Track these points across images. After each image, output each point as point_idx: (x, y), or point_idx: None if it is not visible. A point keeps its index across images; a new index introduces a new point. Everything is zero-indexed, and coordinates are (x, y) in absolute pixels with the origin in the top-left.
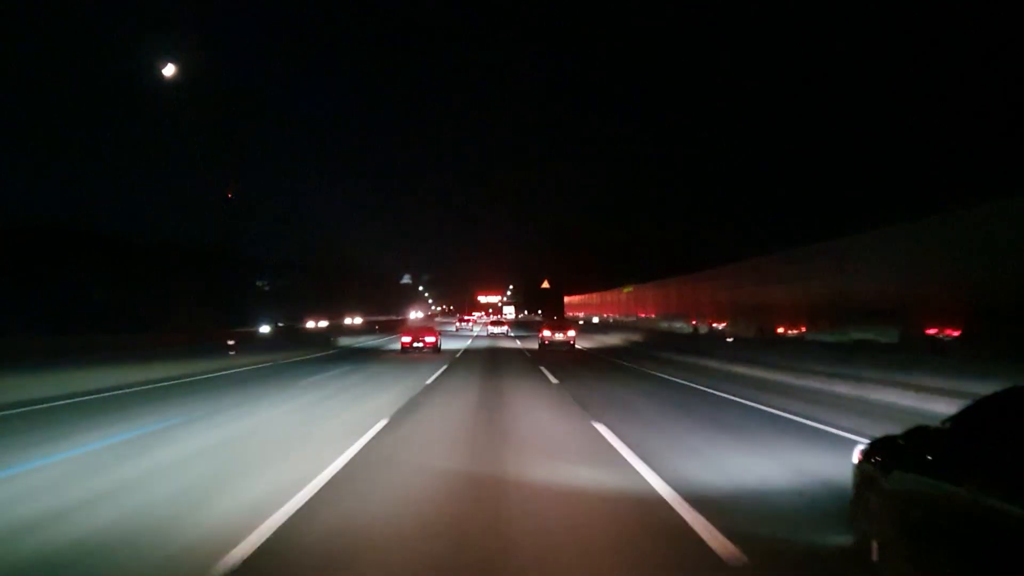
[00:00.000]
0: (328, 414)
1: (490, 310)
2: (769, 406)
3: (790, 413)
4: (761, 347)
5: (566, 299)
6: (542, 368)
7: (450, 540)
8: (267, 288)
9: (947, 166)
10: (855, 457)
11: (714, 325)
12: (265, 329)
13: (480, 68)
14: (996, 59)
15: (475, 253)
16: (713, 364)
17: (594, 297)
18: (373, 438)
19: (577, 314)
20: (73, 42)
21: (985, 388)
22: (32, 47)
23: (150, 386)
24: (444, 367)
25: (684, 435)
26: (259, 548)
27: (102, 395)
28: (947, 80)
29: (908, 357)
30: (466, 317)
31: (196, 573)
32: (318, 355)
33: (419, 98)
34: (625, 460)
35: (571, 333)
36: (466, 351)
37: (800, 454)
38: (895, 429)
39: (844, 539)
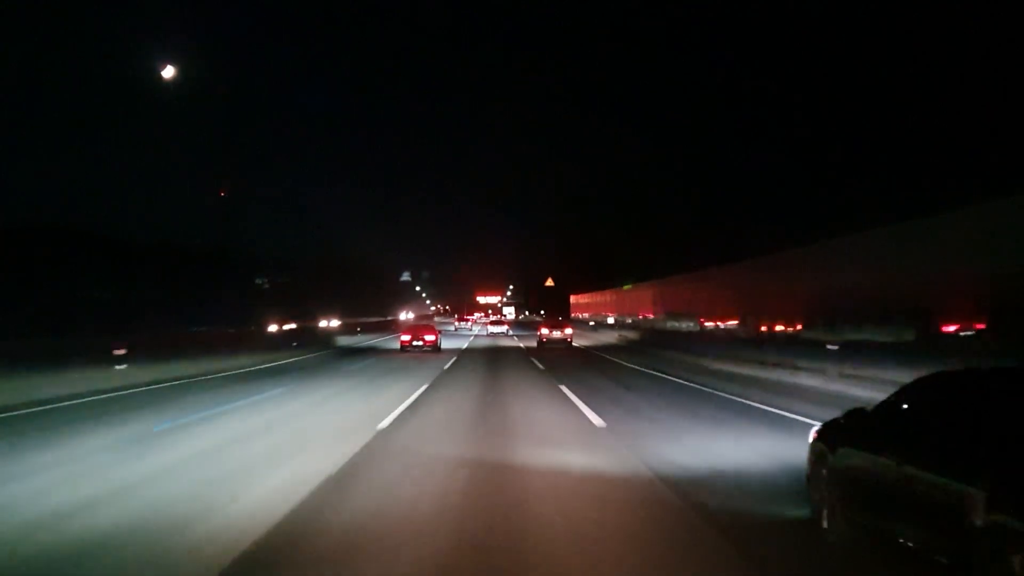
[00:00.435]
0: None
1: (489, 311)
2: (724, 392)
3: (743, 398)
4: (751, 345)
5: (572, 299)
6: (534, 360)
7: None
8: (266, 286)
9: (956, 161)
10: (810, 437)
11: (719, 324)
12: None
13: (480, 67)
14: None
15: (474, 253)
16: (690, 359)
17: (606, 296)
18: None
19: (583, 315)
20: (72, 41)
21: None
22: (31, 47)
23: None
24: (453, 359)
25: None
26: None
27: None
28: (965, 69)
29: (877, 354)
30: (466, 317)
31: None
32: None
33: (419, 97)
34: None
35: (568, 331)
36: (468, 349)
37: (748, 428)
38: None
39: (803, 511)
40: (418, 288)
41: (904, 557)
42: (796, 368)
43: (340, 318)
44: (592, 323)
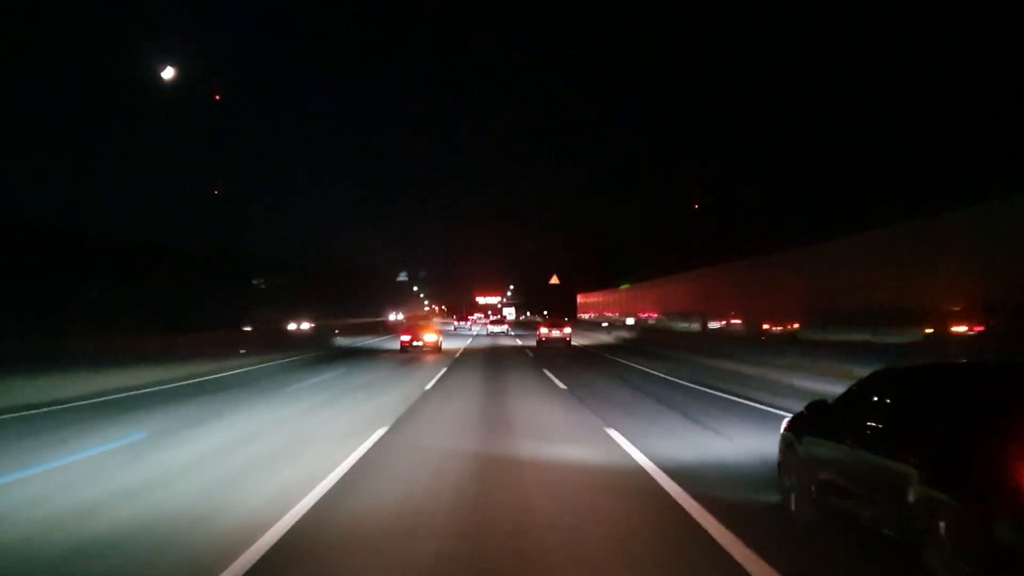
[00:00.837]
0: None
1: (489, 312)
2: (705, 385)
3: (726, 393)
4: (742, 344)
5: (580, 299)
6: (527, 353)
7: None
8: (263, 287)
9: (959, 162)
10: (782, 428)
11: (724, 323)
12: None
13: (479, 66)
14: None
15: (474, 254)
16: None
17: (620, 295)
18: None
19: (591, 315)
20: (72, 41)
21: None
22: (30, 46)
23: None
24: (442, 370)
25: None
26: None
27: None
28: (971, 67)
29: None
30: (468, 317)
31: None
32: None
33: (417, 96)
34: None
35: (567, 331)
36: (468, 349)
37: (719, 415)
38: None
39: (776, 497)
40: (415, 288)
41: (859, 533)
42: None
43: (320, 319)
44: (605, 324)
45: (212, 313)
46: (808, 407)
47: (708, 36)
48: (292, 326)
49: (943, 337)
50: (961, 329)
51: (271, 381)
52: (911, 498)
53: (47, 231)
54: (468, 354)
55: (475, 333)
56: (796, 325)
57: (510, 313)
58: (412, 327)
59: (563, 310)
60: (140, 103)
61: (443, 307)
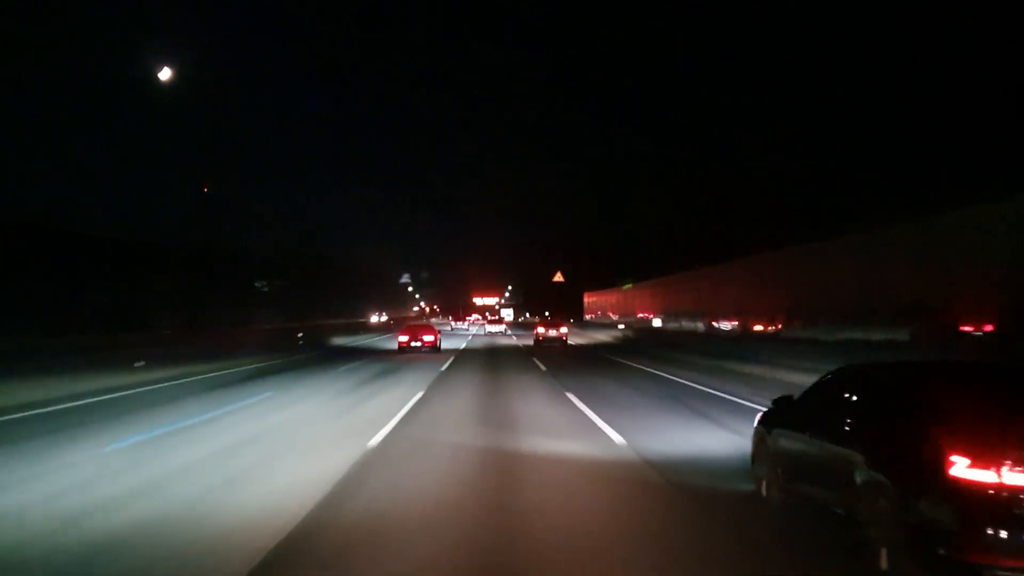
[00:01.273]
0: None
1: (487, 313)
2: (686, 379)
3: (699, 384)
4: (732, 343)
5: (587, 299)
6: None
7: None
8: (265, 289)
9: (962, 160)
10: (755, 421)
11: (718, 323)
12: None
13: (480, 67)
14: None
15: (471, 254)
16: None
17: (635, 292)
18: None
19: (595, 315)
20: (71, 42)
21: None
22: (29, 45)
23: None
24: (420, 392)
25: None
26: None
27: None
28: (976, 65)
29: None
30: (465, 318)
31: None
32: None
33: (418, 95)
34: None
35: (563, 330)
36: (466, 349)
37: (699, 404)
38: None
39: (749, 485)
40: (410, 288)
41: (818, 515)
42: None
43: (301, 319)
44: (622, 325)
45: (214, 314)
46: (774, 402)
47: (708, 36)
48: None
49: (947, 336)
50: (967, 328)
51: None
52: (858, 481)
53: (48, 230)
54: (471, 349)
55: (472, 333)
56: (779, 326)
57: (508, 314)
58: (411, 327)
59: (568, 310)
60: (140, 103)
61: (434, 307)
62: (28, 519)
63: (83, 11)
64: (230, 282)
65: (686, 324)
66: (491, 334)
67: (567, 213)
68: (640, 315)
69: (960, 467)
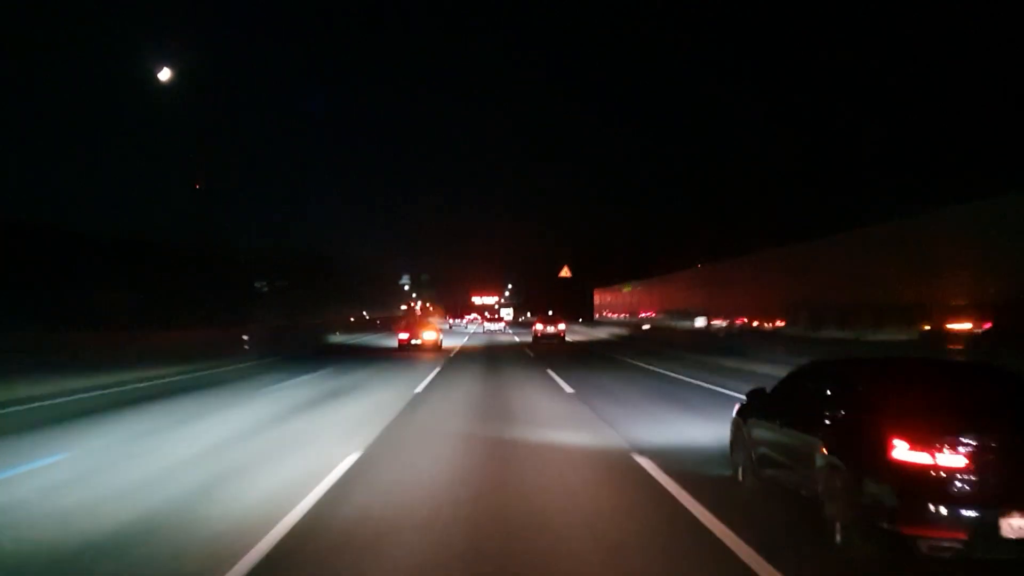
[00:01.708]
0: None
1: (486, 312)
2: (668, 370)
3: (675, 373)
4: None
5: (597, 298)
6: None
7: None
8: (265, 289)
9: (964, 158)
10: (733, 412)
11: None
12: None
13: (480, 65)
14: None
15: (471, 252)
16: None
17: (654, 291)
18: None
19: (609, 315)
20: (72, 44)
21: None
22: (30, 46)
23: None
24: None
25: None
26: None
27: None
28: (980, 64)
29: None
30: (464, 316)
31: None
32: None
33: (419, 95)
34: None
35: (561, 327)
36: (464, 347)
37: (670, 389)
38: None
39: (728, 471)
40: (407, 288)
41: (787, 497)
42: None
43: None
44: (646, 326)
45: (216, 313)
46: (748, 394)
47: (710, 36)
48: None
49: (940, 334)
50: (965, 327)
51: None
52: (818, 464)
53: (50, 230)
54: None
55: (472, 331)
56: (781, 323)
57: (508, 314)
58: (410, 324)
59: (577, 309)
60: (139, 102)
61: (428, 305)
62: None
63: (84, 12)
64: (225, 281)
65: (683, 323)
66: (490, 332)
67: (570, 212)
68: (643, 314)
69: (901, 450)
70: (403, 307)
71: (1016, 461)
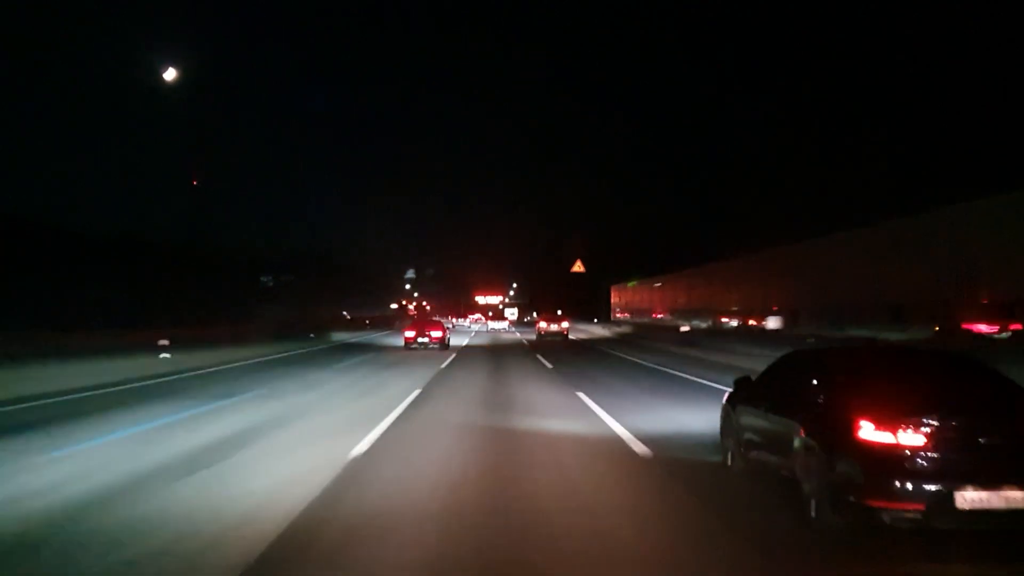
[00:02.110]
0: None
1: (490, 313)
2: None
3: (672, 368)
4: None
5: (615, 296)
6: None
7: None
8: (270, 284)
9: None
10: (723, 400)
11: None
12: None
13: (482, 62)
14: None
15: (474, 252)
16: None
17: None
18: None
19: (622, 316)
20: (71, 45)
21: None
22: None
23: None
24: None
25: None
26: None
27: None
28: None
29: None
30: (468, 315)
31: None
32: None
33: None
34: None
35: (564, 324)
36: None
37: (663, 384)
38: None
39: (718, 457)
40: (408, 287)
41: (769, 479)
42: None
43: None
44: (685, 327)
45: (221, 309)
46: (735, 382)
47: (711, 36)
48: None
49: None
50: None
51: None
52: (796, 446)
53: (52, 229)
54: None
55: (476, 330)
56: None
57: (512, 313)
58: (416, 323)
59: (592, 308)
60: (141, 102)
61: (424, 303)
62: None
63: (84, 11)
64: (229, 278)
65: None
66: (494, 331)
67: (581, 207)
68: (657, 315)
69: (867, 430)
70: (393, 305)
71: (971, 440)
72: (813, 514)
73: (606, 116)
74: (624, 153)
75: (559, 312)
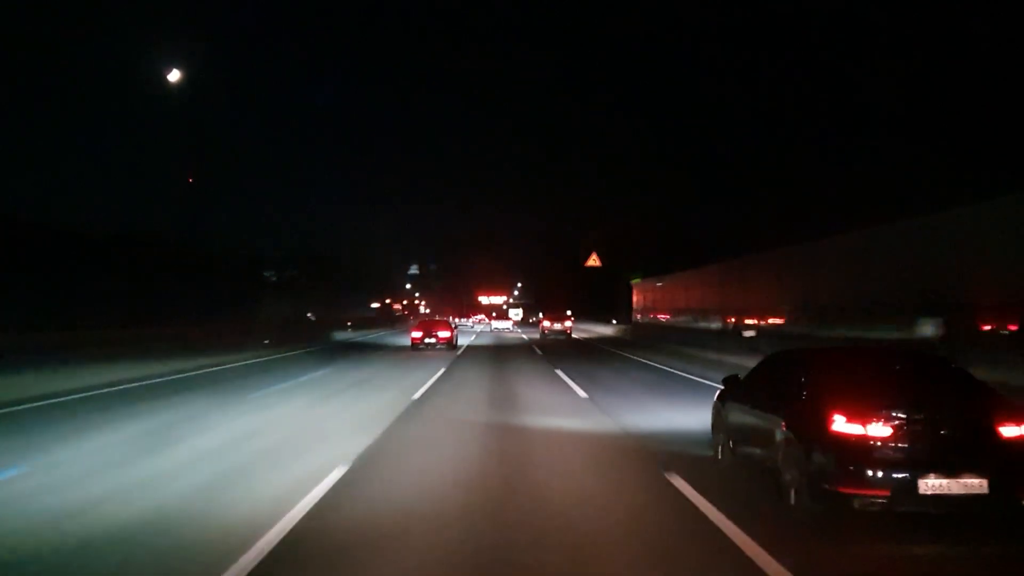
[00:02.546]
0: None
1: (494, 313)
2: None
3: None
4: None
5: (637, 296)
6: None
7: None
8: (274, 279)
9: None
10: (715, 398)
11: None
12: None
13: (486, 61)
14: None
15: (477, 251)
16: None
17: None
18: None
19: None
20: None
21: None
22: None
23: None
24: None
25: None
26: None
27: None
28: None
29: None
30: (471, 315)
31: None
32: None
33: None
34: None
35: (568, 324)
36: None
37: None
38: None
39: (710, 452)
40: (408, 286)
41: (753, 471)
42: None
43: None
44: (749, 332)
45: (225, 306)
46: (724, 380)
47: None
48: None
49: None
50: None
51: None
52: (777, 439)
53: (54, 229)
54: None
55: (479, 331)
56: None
57: (517, 314)
58: (424, 323)
59: (609, 308)
60: (142, 102)
61: (417, 303)
62: None
63: (84, 11)
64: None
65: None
66: (497, 330)
67: (583, 207)
68: (663, 317)
69: (840, 423)
70: (374, 305)
71: (934, 431)
72: (792, 501)
73: (612, 112)
74: (633, 149)
75: (568, 312)
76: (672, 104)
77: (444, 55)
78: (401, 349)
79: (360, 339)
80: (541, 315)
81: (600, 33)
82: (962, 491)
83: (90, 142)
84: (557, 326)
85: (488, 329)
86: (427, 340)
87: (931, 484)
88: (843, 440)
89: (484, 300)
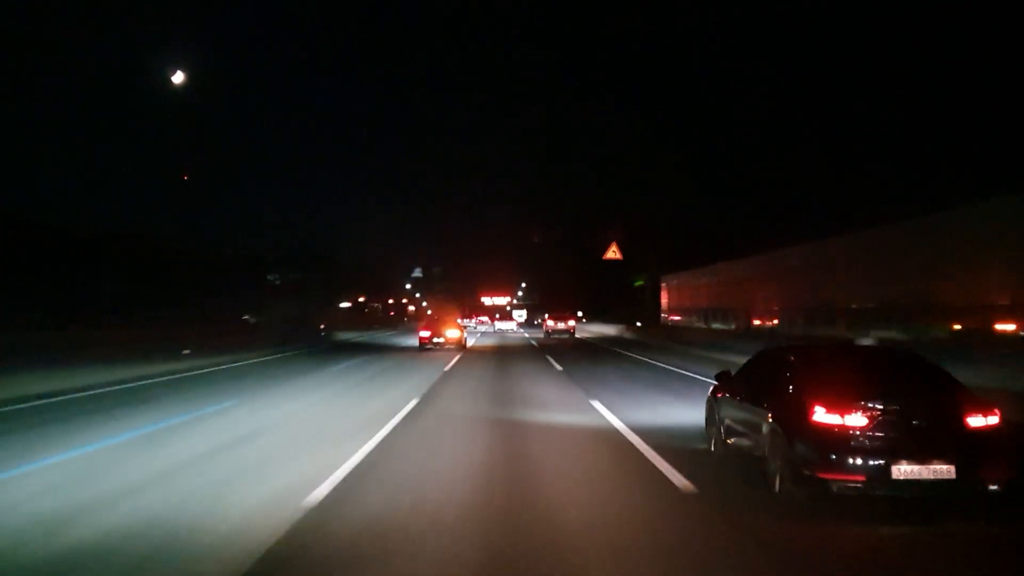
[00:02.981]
0: None
1: (497, 315)
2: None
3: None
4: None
5: (666, 296)
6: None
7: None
8: (277, 282)
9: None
10: (709, 392)
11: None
12: None
13: (488, 60)
14: None
15: (479, 250)
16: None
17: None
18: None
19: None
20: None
21: None
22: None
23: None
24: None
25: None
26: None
27: None
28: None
29: None
30: (474, 316)
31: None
32: None
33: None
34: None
35: (571, 323)
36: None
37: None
38: None
39: (704, 444)
40: (408, 286)
41: (743, 460)
42: None
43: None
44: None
45: (228, 306)
46: (716, 376)
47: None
48: None
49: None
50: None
51: None
52: (764, 430)
53: (57, 229)
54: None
55: (481, 331)
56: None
57: (521, 315)
58: (432, 322)
59: (632, 309)
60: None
61: (410, 305)
62: None
63: (84, 11)
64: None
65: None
66: (501, 331)
67: (592, 205)
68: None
69: (820, 414)
70: (344, 304)
71: (906, 421)
72: (777, 488)
73: (618, 109)
74: (639, 146)
75: (574, 313)
76: (671, 104)
77: (444, 55)
78: (404, 350)
79: (366, 339)
80: (546, 316)
81: (600, 33)
82: (932, 476)
83: (90, 142)
84: (560, 325)
85: (492, 329)
86: (435, 340)
87: (903, 470)
88: (823, 429)
89: (487, 301)
